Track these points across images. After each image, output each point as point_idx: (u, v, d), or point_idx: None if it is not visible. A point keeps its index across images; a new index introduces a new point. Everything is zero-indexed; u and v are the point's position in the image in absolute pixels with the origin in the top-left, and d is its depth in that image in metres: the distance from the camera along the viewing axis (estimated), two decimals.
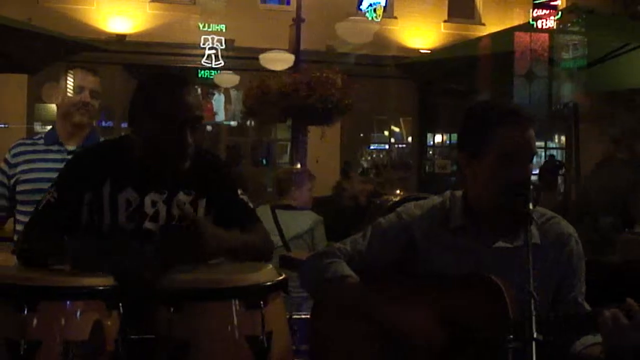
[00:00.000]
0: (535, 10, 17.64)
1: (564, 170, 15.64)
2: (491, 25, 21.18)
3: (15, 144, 4.86)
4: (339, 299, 3.18)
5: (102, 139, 4.55)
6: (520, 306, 2.74)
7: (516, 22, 16.98)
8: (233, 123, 21.90)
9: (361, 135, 23.12)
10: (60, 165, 3.60)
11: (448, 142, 24.50)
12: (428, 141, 24.42)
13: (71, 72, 4.85)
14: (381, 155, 23.80)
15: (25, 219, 4.60)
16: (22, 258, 3.24)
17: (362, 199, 7.51)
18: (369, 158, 23.21)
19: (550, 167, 18.37)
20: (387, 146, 24.15)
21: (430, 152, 24.57)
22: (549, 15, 16.21)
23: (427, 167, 24.05)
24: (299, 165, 7.22)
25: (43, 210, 3.27)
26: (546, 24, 15.14)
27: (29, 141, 4.92)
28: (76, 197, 3.22)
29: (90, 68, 4.99)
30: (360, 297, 3.13)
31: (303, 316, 3.65)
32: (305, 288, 3.41)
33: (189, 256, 2.94)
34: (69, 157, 4.16)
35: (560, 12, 14.70)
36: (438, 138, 24.69)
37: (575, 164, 11.23)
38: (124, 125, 18.10)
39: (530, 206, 2.87)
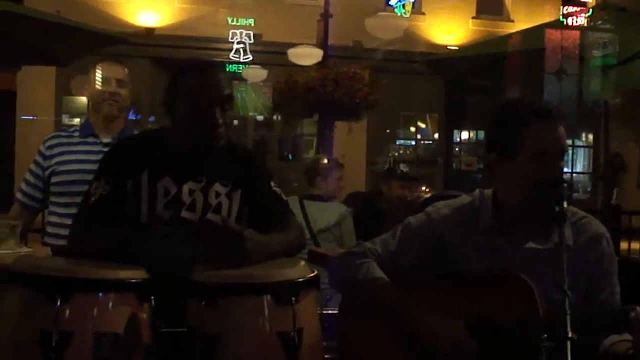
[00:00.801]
0: (566, 7, 17.54)
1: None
2: (520, 22, 21.06)
3: (50, 136, 4.89)
4: (369, 301, 3.17)
5: (135, 132, 4.58)
6: (551, 306, 2.72)
7: (545, 19, 16.86)
8: (260, 117, 21.89)
9: (387, 131, 23.07)
10: (96, 157, 3.63)
11: (475, 139, 24.39)
12: (454, 138, 24.33)
13: (99, 65, 4.87)
14: (408, 152, 23.75)
15: (60, 210, 4.64)
16: (78, 253, 3.25)
17: (397, 203, 7.49)
18: (396, 154, 23.17)
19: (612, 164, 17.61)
20: (413, 142, 24.10)
21: (457, 149, 24.47)
22: (580, 12, 16.12)
23: (453, 164, 23.97)
24: (325, 161, 7.18)
25: (97, 203, 3.27)
26: (576, 21, 15.06)
27: (64, 133, 4.94)
28: (123, 186, 3.24)
29: (115, 59, 5.02)
30: (390, 301, 3.11)
31: (332, 312, 3.64)
32: (336, 287, 3.41)
33: (232, 264, 2.94)
34: (105, 149, 4.19)
35: (591, 9, 14.61)
36: (465, 135, 24.57)
37: (605, 163, 11.17)
38: (152, 119, 18.19)
39: (565, 204, 2.85)
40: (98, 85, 4.82)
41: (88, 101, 4.97)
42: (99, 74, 4.84)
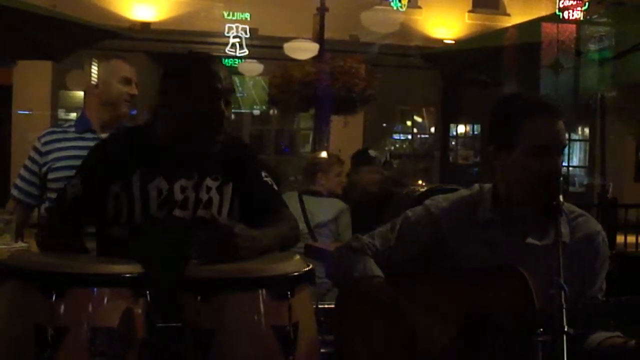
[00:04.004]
0: (562, 0, 17.54)
1: None
2: (516, 15, 21.08)
3: (45, 132, 4.88)
4: (365, 297, 3.17)
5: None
6: (547, 300, 2.72)
7: (541, 13, 16.86)
8: (256, 112, 21.90)
9: (384, 125, 23.08)
10: None
11: (471, 132, 24.46)
12: (451, 132, 24.36)
13: (95, 60, 4.86)
14: (404, 145, 23.77)
15: None
16: (44, 248, 3.27)
17: (372, 189, 7.42)
18: (392, 148, 23.20)
19: None
20: (409, 136, 24.11)
21: (453, 143, 24.49)
22: (576, 6, 16.11)
23: (450, 158, 23.99)
24: (323, 154, 7.19)
25: (69, 203, 3.25)
26: (573, 15, 15.06)
27: (59, 129, 4.94)
28: (102, 188, 3.20)
29: (119, 56, 5.03)
30: (386, 299, 3.12)
31: (328, 306, 3.64)
32: (332, 280, 3.42)
33: (224, 260, 2.91)
34: None
35: (587, 3, 14.62)
36: (461, 129, 24.62)
37: (601, 156, 11.17)
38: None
39: (561, 198, 2.85)
40: (94, 80, 4.81)
41: (85, 95, 4.95)
42: (95, 70, 4.83)
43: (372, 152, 7.95)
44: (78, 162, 4.35)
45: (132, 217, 3.19)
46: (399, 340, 3.05)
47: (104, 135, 4.62)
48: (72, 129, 4.84)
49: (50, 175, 4.70)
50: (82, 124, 4.84)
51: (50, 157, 4.72)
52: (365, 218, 6.41)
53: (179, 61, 3.34)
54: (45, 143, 4.78)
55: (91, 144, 4.58)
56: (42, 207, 4.90)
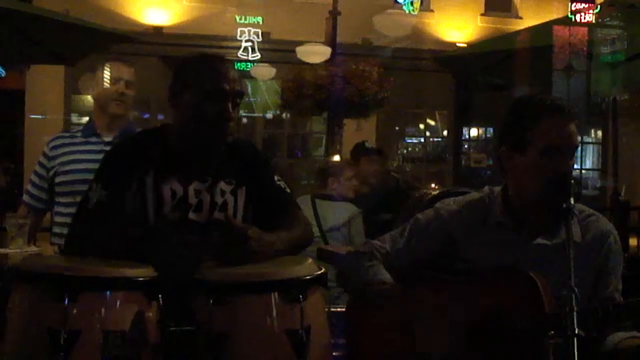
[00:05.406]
0: (574, 4, 17.48)
1: None
2: (528, 18, 21.02)
3: (53, 137, 4.93)
4: (375, 303, 3.18)
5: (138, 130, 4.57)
6: (559, 302, 2.72)
7: (554, 16, 16.81)
8: (269, 115, 21.88)
9: (396, 128, 23.05)
10: (98, 157, 3.60)
11: (484, 136, 24.38)
12: (463, 135, 24.29)
13: (107, 64, 4.90)
14: (417, 149, 23.73)
15: (64, 210, 4.67)
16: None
17: (372, 180, 7.38)
18: (405, 151, 23.18)
19: None
20: (422, 139, 24.05)
21: (466, 146, 24.42)
22: (588, 9, 16.05)
23: (462, 161, 23.93)
24: (336, 157, 7.18)
25: (94, 209, 3.20)
26: (585, 18, 15.01)
27: (67, 134, 4.99)
28: (122, 190, 3.19)
29: (124, 59, 5.05)
30: (394, 305, 3.12)
31: (340, 309, 3.64)
32: (343, 286, 3.43)
33: (237, 261, 2.92)
34: (107, 148, 4.21)
35: (599, 6, 14.57)
36: (474, 132, 24.53)
37: (614, 159, 11.13)
38: (161, 117, 18.21)
39: (572, 201, 2.85)
40: (106, 83, 4.85)
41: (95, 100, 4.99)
42: (107, 73, 4.86)
43: (367, 144, 7.94)
44: (84, 166, 4.40)
45: (146, 217, 3.19)
46: (408, 345, 3.05)
47: (107, 139, 4.67)
48: (79, 134, 4.89)
49: (57, 180, 4.75)
50: (88, 129, 4.90)
51: (57, 161, 4.76)
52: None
53: (188, 62, 3.34)
54: (53, 148, 4.83)
55: (96, 148, 4.65)
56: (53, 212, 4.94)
